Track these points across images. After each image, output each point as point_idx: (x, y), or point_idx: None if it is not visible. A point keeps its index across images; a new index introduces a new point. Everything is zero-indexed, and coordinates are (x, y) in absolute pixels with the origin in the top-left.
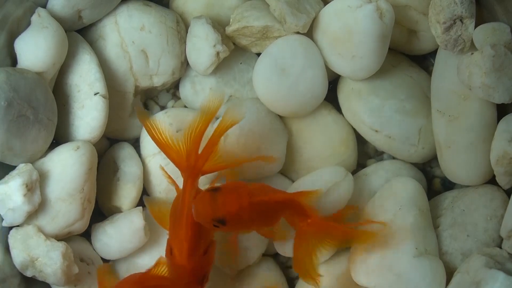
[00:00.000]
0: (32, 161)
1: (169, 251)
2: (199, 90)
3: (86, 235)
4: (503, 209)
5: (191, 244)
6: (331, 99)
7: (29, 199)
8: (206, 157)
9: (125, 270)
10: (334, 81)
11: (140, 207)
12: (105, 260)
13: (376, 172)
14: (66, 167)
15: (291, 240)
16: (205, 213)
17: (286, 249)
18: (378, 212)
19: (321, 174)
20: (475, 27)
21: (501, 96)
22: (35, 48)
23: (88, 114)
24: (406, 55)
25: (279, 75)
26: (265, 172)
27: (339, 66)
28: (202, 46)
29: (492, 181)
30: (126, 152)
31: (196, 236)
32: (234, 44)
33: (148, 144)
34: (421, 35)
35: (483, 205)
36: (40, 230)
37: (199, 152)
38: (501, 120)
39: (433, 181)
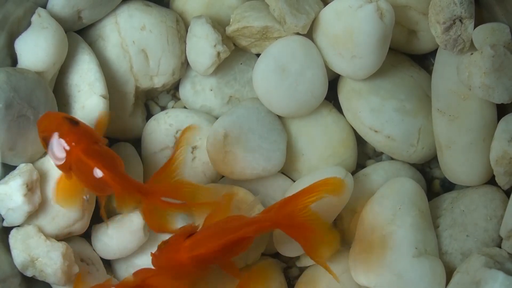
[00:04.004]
0: (33, 161)
1: (186, 234)
2: (199, 91)
3: (86, 235)
4: (503, 209)
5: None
6: (332, 98)
7: (30, 199)
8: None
9: (124, 270)
10: (334, 80)
11: None
12: (104, 260)
13: (375, 173)
14: None
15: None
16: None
17: (287, 249)
18: (377, 212)
19: (321, 174)
20: (475, 27)
21: (501, 96)
22: (35, 48)
23: (89, 115)
24: (406, 54)
25: (278, 76)
26: (264, 173)
27: (339, 66)
28: (202, 46)
29: (492, 181)
30: (126, 152)
31: (213, 255)
32: (234, 44)
33: (148, 144)
34: (421, 35)
35: (483, 205)
36: (41, 230)
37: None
38: (501, 120)
39: (432, 182)
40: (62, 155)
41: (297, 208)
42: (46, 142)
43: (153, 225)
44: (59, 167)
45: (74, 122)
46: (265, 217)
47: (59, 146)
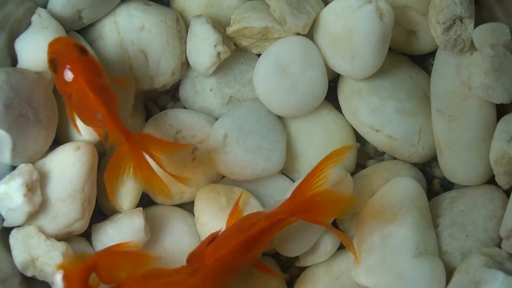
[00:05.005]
0: (33, 161)
1: (211, 239)
2: (199, 91)
3: (86, 235)
4: (503, 209)
5: (227, 256)
6: (332, 98)
7: (30, 199)
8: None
9: None
10: (334, 79)
11: (141, 208)
12: None
13: (376, 172)
14: (67, 167)
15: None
16: None
17: (286, 249)
18: (378, 212)
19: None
20: (475, 27)
21: (500, 96)
22: (35, 48)
23: None
24: (406, 55)
25: (279, 76)
26: (265, 173)
27: (339, 66)
28: (202, 46)
29: (491, 181)
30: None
31: (236, 255)
32: (234, 44)
33: None
34: (420, 35)
35: (483, 205)
36: (41, 230)
37: None
38: (500, 120)
39: (432, 182)
40: (66, 80)
41: (308, 193)
42: (52, 64)
43: (111, 168)
44: (61, 91)
45: (84, 51)
46: (280, 210)
47: (64, 71)
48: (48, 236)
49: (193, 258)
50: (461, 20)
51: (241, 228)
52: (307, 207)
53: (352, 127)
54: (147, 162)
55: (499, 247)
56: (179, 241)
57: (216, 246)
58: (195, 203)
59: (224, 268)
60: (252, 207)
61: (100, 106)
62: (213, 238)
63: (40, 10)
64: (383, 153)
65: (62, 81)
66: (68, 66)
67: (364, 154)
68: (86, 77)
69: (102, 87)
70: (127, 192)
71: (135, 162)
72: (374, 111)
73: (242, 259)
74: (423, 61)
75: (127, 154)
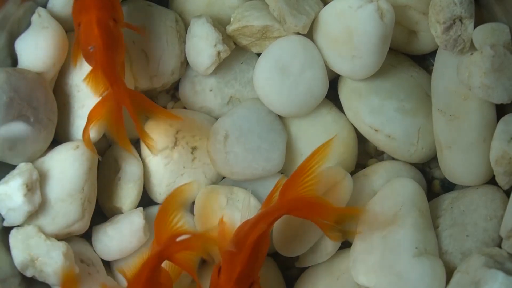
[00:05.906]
0: (32, 160)
1: (217, 271)
2: (199, 91)
3: (86, 236)
4: (503, 209)
5: (242, 271)
6: (332, 96)
7: (30, 199)
8: None
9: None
10: (336, 79)
11: (141, 208)
12: (104, 261)
13: (376, 172)
14: (66, 166)
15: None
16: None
17: (286, 249)
18: (378, 213)
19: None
20: (475, 27)
21: (500, 96)
22: (36, 48)
23: None
24: (406, 55)
25: (279, 76)
26: (264, 173)
27: (339, 66)
28: (202, 46)
29: (492, 181)
30: (127, 153)
31: (249, 266)
32: (234, 43)
33: None
34: (421, 35)
35: (483, 205)
36: (41, 230)
37: None
38: (500, 120)
39: (432, 183)
40: (81, 9)
41: (300, 191)
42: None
43: (95, 108)
44: (73, 17)
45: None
46: (276, 207)
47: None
48: (48, 236)
49: None
50: (461, 20)
51: (239, 240)
52: (299, 205)
53: (353, 126)
54: (121, 117)
55: (500, 247)
56: None
57: (227, 270)
58: (195, 204)
59: (247, 281)
60: (252, 207)
61: (99, 43)
62: (219, 268)
63: (40, 10)
64: (383, 152)
65: (78, 8)
66: None
67: (365, 153)
68: (100, 13)
69: (111, 29)
70: (127, 193)
71: (113, 109)
72: (374, 111)
73: (256, 265)
74: (424, 61)
75: (110, 100)
